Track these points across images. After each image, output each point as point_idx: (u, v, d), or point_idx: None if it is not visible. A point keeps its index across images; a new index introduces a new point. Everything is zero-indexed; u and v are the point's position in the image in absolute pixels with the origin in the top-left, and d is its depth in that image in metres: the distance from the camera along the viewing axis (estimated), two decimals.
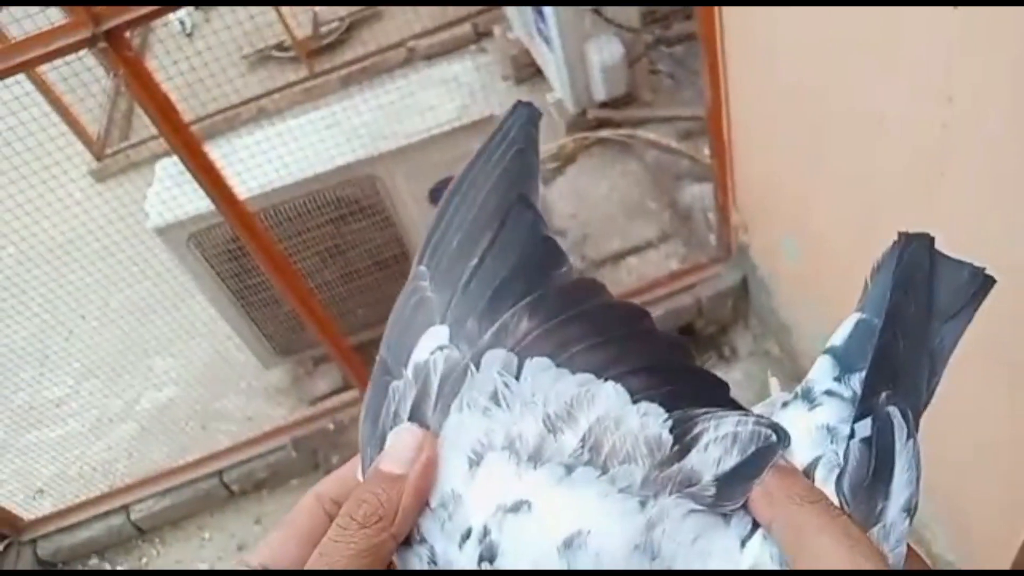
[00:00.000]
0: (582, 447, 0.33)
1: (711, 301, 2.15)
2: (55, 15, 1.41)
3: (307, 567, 0.32)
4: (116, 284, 2.76)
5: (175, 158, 1.75)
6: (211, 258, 2.15)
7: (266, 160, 2.05)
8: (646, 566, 0.31)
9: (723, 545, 0.32)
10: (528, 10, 2.79)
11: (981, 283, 0.37)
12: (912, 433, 0.33)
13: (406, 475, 0.33)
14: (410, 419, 0.35)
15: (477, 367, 0.34)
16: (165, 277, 2.28)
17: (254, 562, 0.33)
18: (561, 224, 2.55)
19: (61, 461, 2.43)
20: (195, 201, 1.98)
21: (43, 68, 1.97)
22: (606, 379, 0.34)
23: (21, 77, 1.86)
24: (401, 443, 0.34)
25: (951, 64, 0.99)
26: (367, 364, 2.05)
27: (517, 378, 0.34)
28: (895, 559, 0.31)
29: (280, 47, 3.86)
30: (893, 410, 0.33)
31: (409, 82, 2.26)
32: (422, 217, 2.15)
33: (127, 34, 1.45)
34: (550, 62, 2.77)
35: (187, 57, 2.87)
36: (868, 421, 0.33)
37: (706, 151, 2.20)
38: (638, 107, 2.77)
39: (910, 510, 0.32)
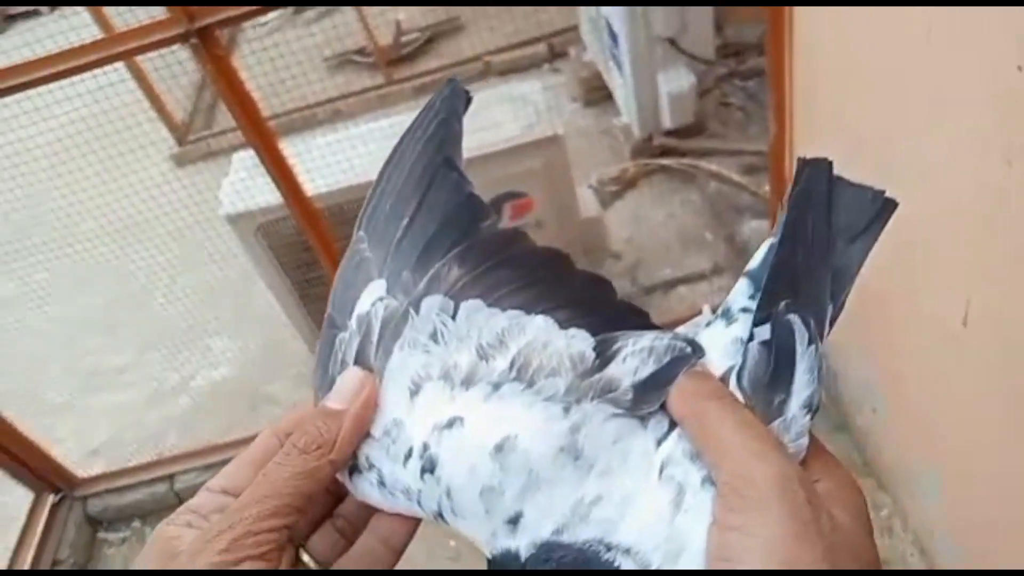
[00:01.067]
0: (511, 367, 0.36)
1: None
2: (156, 10, 1.51)
3: (251, 488, 0.36)
4: (185, 265, 2.90)
5: (251, 151, 1.84)
6: (276, 249, 2.24)
7: (336, 160, 2.14)
8: (570, 466, 0.34)
9: (641, 445, 0.35)
10: (604, 34, 2.83)
11: (882, 205, 0.40)
12: (814, 339, 0.36)
13: (347, 410, 0.37)
14: (355, 363, 0.39)
15: (417, 312, 0.38)
16: (231, 263, 2.38)
17: (215, 487, 0.37)
18: (616, 247, 2.57)
19: (117, 426, 2.56)
20: (266, 194, 2.07)
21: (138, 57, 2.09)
22: (535, 314, 0.38)
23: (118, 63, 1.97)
24: (344, 383, 0.38)
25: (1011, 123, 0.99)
26: None
27: (453, 318, 0.38)
28: (795, 449, 0.34)
29: (361, 52, 3.98)
30: (793, 317, 0.36)
31: (479, 97, 2.32)
32: None
33: (218, 32, 1.54)
34: (620, 87, 2.80)
35: (271, 58, 2.98)
36: (767, 327, 0.36)
37: (767, 187, 2.20)
38: (705, 138, 2.78)
39: (811, 407, 0.35)
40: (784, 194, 0.39)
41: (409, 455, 0.36)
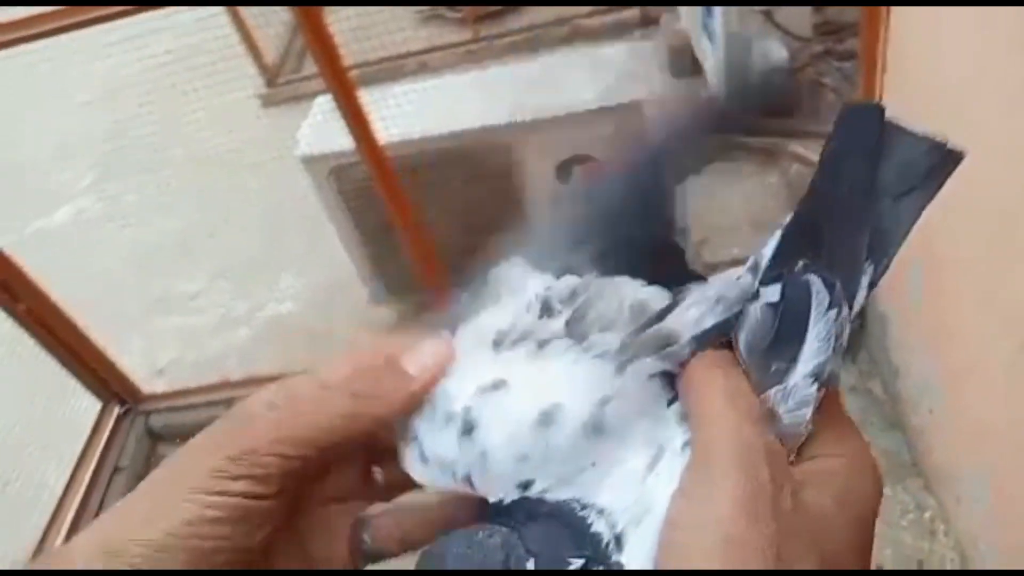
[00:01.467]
0: (567, 323, 0.34)
1: None
2: None
3: (290, 409, 0.35)
4: (260, 199, 2.98)
5: (331, 96, 1.87)
6: (346, 193, 2.28)
7: (413, 111, 2.15)
8: (592, 437, 0.32)
9: (658, 408, 0.33)
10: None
11: (942, 157, 0.35)
12: (837, 304, 0.32)
13: (416, 378, 0.35)
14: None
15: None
16: (304, 203, 2.43)
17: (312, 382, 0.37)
18: (684, 221, 2.52)
19: (182, 348, 2.67)
20: (341, 139, 2.10)
21: None
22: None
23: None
24: (427, 350, 0.36)
25: None
26: None
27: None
28: (790, 420, 0.31)
29: (451, 6, 3.97)
30: (813, 278, 0.33)
31: (563, 58, 2.29)
32: (544, 190, 2.19)
33: None
34: (711, 58, 2.72)
35: (363, 9, 3.01)
36: (777, 287, 0.33)
37: None
38: (793, 118, 2.68)
39: (820, 377, 0.32)
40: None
41: (449, 419, 0.34)
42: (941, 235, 1.39)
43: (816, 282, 0.33)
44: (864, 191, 0.35)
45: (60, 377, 2.25)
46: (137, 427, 2.36)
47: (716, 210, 2.49)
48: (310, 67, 3.93)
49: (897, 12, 1.47)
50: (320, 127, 2.26)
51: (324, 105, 2.29)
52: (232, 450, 0.33)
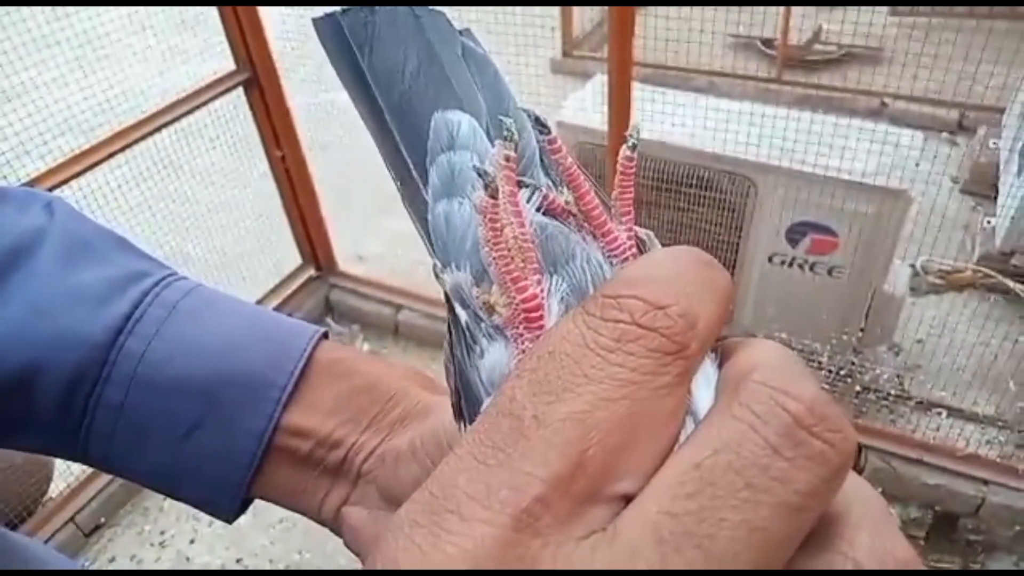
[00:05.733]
0: None
1: (997, 510, 1.81)
2: None
3: None
4: None
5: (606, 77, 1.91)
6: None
7: (674, 117, 2.14)
8: None
9: None
10: None
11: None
12: None
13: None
14: None
15: None
16: None
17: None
18: (901, 341, 2.29)
19: (386, 247, 2.87)
20: (597, 118, 2.14)
21: None
22: None
23: None
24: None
25: None
26: None
27: None
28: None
29: (767, 42, 3.87)
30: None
31: (855, 121, 2.15)
32: (767, 239, 2.09)
33: None
34: (1009, 189, 2.44)
35: (682, 15, 3.00)
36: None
37: None
38: None
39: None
40: None
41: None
42: None
43: None
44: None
45: (279, 224, 2.52)
46: (318, 295, 2.59)
47: (941, 344, 2.24)
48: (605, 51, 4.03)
49: None
50: (585, 101, 2.32)
51: (598, 84, 2.34)
52: None
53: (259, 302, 2.45)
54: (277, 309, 2.46)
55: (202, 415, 0.37)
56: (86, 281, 0.39)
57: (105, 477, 2.03)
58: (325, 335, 0.41)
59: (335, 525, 0.39)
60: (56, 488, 2.09)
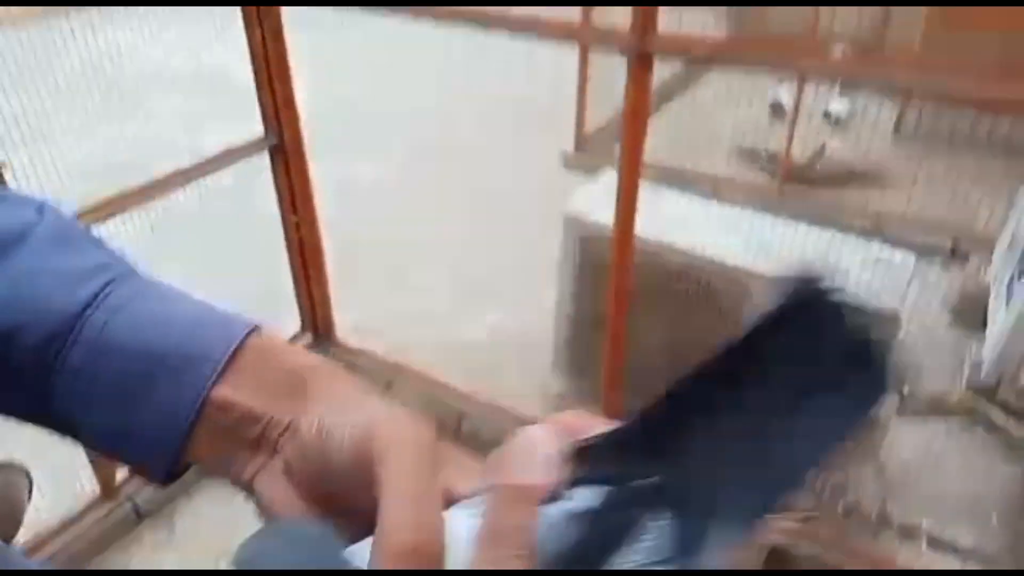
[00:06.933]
0: None
1: None
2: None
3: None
4: (520, 238, 3.19)
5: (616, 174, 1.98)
6: (583, 266, 2.39)
7: (676, 216, 2.21)
8: None
9: None
10: (1015, 263, 2.55)
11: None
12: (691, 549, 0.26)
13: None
14: None
15: None
16: (548, 253, 2.56)
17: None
18: (886, 462, 2.31)
19: (385, 323, 2.89)
20: (605, 214, 2.21)
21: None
22: None
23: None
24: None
25: None
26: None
27: None
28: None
29: (771, 156, 4.00)
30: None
31: (850, 238, 2.23)
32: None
33: (655, 58, 1.69)
34: (998, 321, 2.50)
35: (689, 112, 3.13)
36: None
37: None
38: None
39: None
40: None
41: None
42: None
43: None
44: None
45: (284, 287, 2.56)
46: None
47: (924, 470, 2.26)
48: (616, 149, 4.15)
49: None
50: (594, 195, 2.39)
51: (608, 180, 2.42)
52: None
53: None
54: None
55: (148, 380, 0.43)
56: (66, 265, 0.46)
57: None
58: (260, 328, 0.47)
59: (249, 492, 0.44)
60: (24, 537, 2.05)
